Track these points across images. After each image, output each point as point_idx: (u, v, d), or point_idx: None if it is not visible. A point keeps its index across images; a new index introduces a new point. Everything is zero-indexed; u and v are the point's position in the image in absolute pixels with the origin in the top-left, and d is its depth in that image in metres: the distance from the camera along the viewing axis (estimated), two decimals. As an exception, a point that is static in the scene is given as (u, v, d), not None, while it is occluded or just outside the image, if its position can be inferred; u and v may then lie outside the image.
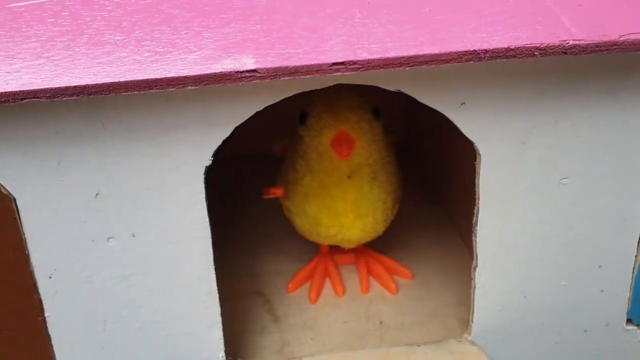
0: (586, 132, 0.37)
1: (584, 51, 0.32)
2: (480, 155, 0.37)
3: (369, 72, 0.31)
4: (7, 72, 0.30)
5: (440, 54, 0.31)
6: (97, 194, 0.35)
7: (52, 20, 0.33)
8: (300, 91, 0.34)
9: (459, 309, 0.47)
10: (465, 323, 0.43)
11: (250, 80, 0.31)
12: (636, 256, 0.41)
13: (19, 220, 0.35)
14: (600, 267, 0.41)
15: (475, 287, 0.40)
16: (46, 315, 0.37)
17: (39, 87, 0.30)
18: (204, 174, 0.36)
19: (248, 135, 0.42)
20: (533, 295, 0.41)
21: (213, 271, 0.38)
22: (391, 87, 0.35)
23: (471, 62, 0.32)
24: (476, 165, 0.38)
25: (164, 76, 0.30)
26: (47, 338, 0.38)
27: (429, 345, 0.42)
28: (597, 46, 0.32)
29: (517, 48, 0.32)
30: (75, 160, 0.34)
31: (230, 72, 0.31)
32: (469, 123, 0.36)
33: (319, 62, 0.31)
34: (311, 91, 0.34)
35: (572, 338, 0.43)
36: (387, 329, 0.45)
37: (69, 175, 0.34)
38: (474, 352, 0.41)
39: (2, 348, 0.38)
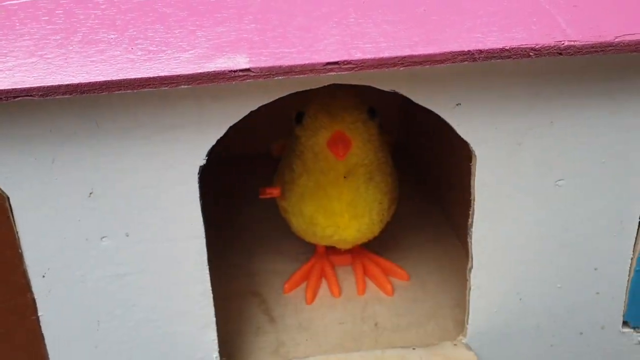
0: (582, 134, 0.37)
1: (579, 52, 0.32)
2: (475, 156, 0.37)
3: (363, 72, 0.31)
4: (0, 70, 0.30)
5: (434, 54, 0.31)
6: (91, 193, 0.35)
7: (46, 18, 0.33)
8: (294, 91, 0.34)
9: (455, 311, 0.46)
10: (462, 324, 0.43)
11: (244, 80, 0.31)
12: (632, 258, 0.40)
13: (12, 219, 0.35)
14: (596, 269, 0.41)
15: (470, 288, 0.40)
16: (40, 314, 0.37)
17: (32, 85, 0.30)
18: (199, 173, 0.35)
19: (244, 135, 0.42)
20: (529, 297, 0.41)
21: (207, 271, 0.38)
22: (386, 88, 0.35)
23: (466, 62, 0.32)
24: (471, 166, 0.37)
25: (157, 75, 0.30)
26: (40, 337, 0.38)
27: (423, 348, 0.42)
28: (593, 47, 0.32)
29: (512, 49, 0.32)
30: (70, 159, 0.34)
31: (224, 71, 0.31)
32: (464, 124, 0.36)
33: (313, 61, 0.31)
34: (307, 91, 0.34)
35: (568, 340, 0.43)
36: (382, 330, 0.45)
37: (63, 174, 0.34)
38: (469, 356, 0.41)
39: (-5, 347, 0.38)
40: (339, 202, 0.44)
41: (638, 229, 0.40)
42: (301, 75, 0.31)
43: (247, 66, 0.31)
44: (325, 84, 0.34)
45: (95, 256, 0.36)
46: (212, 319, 0.39)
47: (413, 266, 0.51)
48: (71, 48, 0.31)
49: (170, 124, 0.34)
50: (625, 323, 0.43)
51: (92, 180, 0.35)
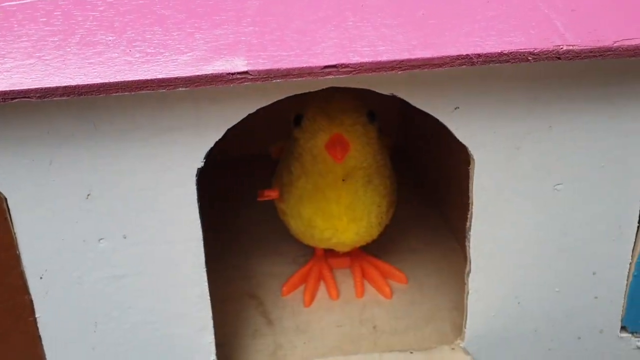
0: (580, 138, 0.37)
1: (577, 56, 0.32)
2: (474, 160, 0.37)
3: (361, 76, 0.31)
4: (-2, 72, 0.30)
5: (432, 58, 0.31)
6: (88, 195, 0.35)
7: (44, 19, 0.33)
8: (292, 94, 0.34)
9: (453, 314, 0.46)
10: (460, 328, 0.43)
11: (242, 82, 0.31)
12: (630, 263, 0.40)
13: (9, 220, 0.35)
14: (594, 273, 0.41)
15: (468, 292, 0.40)
16: (37, 315, 0.37)
17: (29, 87, 0.30)
18: (196, 175, 0.35)
19: (242, 137, 0.42)
20: (527, 301, 0.41)
21: (205, 273, 0.38)
22: (384, 91, 0.34)
23: (464, 66, 0.32)
24: (470, 170, 0.37)
25: (154, 77, 0.30)
26: (37, 338, 0.38)
27: (421, 352, 0.42)
28: (591, 52, 0.32)
29: (511, 53, 0.32)
30: (67, 161, 0.34)
31: (222, 73, 0.31)
32: (463, 128, 0.36)
33: (311, 64, 0.31)
34: (306, 93, 0.34)
35: (566, 345, 0.43)
36: (380, 333, 0.45)
37: (60, 175, 0.34)
38: (467, 360, 0.41)
39: (-8, 348, 0.38)
40: (338, 205, 0.44)
41: (636, 234, 0.40)
42: (299, 79, 0.31)
43: (245, 69, 0.31)
44: (323, 87, 0.34)
45: (93, 258, 0.36)
46: (210, 322, 0.39)
47: (411, 269, 0.51)
48: (69, 50, 0.31)
49: (168, 126, 0.34)
50: (623, 328, 0.43)
51: (90, 182, 0.35)
